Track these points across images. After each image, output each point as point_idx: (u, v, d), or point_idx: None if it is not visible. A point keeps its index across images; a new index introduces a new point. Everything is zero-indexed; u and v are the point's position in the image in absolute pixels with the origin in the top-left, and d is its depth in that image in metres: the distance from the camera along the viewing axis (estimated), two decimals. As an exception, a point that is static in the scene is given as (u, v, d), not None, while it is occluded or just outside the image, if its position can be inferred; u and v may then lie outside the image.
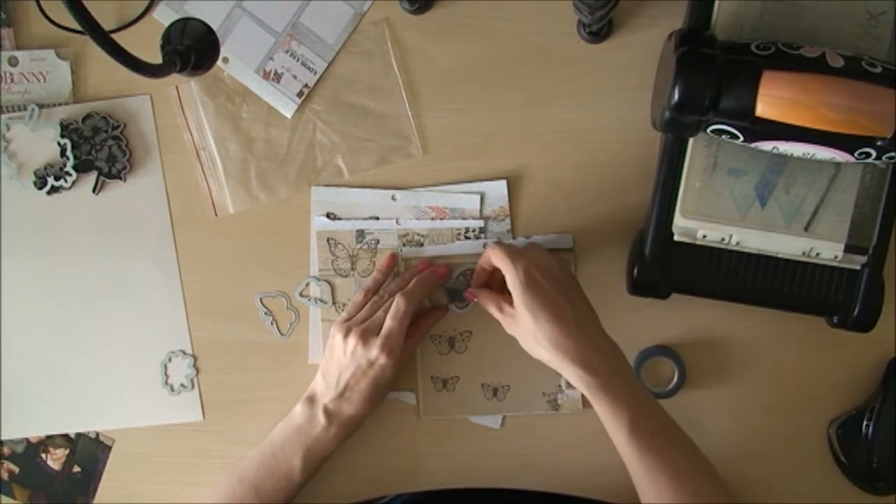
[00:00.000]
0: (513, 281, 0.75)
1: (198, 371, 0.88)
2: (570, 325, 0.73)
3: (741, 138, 0.72)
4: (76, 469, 0.89)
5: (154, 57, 0.63)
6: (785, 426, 0.84)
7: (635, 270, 0.79)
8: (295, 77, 0.86)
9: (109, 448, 0.89)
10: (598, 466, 0.84)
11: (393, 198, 0.86)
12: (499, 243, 0.78)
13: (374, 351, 0.79)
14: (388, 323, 0.80)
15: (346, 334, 0.80)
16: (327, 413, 0.80)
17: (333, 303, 0.87)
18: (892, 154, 0.70)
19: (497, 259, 0.77)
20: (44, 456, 0.89)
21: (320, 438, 0.80)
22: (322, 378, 0.82)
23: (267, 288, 0.88)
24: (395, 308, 0.80)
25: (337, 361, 0.81)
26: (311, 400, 0.81)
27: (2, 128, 0.87)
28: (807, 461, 0.84)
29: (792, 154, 0.73)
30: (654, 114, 0.79)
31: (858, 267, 0.77)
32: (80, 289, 0.88)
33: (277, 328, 0.88)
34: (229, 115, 0.87)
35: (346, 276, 0.87)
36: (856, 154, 0.71)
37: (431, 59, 0.86)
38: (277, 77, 0.86)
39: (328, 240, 0.87)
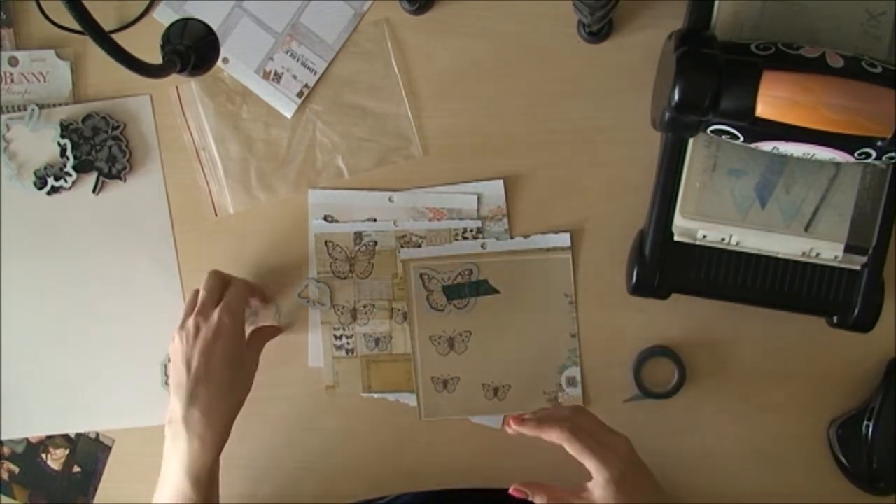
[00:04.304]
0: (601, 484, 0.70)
1: (198, 371, 0.88)
2: None
3: (741, 138, 0.72)
4: (76, 469, 0.89)
5: (154, 57, 0.63)
6: (785, 426, 0.84)
7: (635, 270, 0.79)
8: (295, 77, 0.86)
9: (109, 448, 0.89)
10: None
11: (390, 199, 0.86)
12: (580, 437, 0.70)
13: (215, 315, 0.77)
14: (230, 289, 0.80)
15: (183, 326, 0.78)
16: (186, 423, 0.76)
17: (332, 305, 0.87)
18: (892, 154, 0.70)
19: (581, 456, 0.70)
20: (44, 456, 0.89)
21: (195, 453, 0.76)
22: (174, 391, 0.77)
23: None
24: (234, 286, 0.80)
25: (183, 355, 0.77)
26: (170, 421, 0.77)
27: (2, 128, 0.87)
28: (807, 461, 0.84)
29: (792, 154, 0.73)
30: (654, 114, 0.79)
31: (858, 267, 0.77)
32: (80, 289, 0.88)
33: (277, 328, 0.88)
34: (229, 115, 0.87)
35: (344, 279, 0.87)
36: (856, 154, 0.71)
37: (431, 59, 0.86)
38: (277, 77, 0.86)
39: (326, 242, 0.87)
